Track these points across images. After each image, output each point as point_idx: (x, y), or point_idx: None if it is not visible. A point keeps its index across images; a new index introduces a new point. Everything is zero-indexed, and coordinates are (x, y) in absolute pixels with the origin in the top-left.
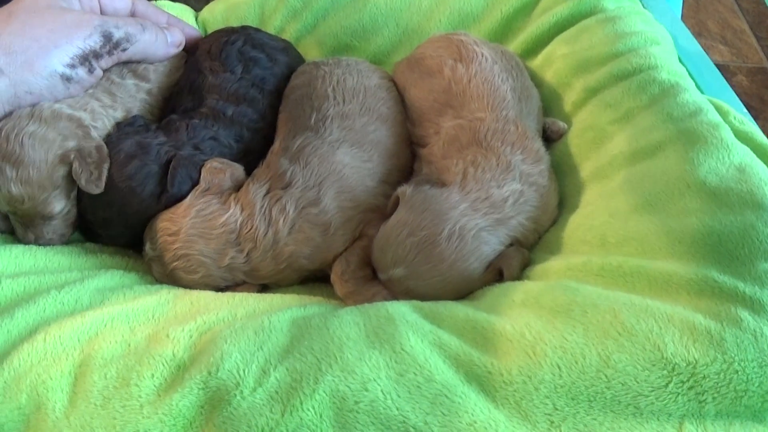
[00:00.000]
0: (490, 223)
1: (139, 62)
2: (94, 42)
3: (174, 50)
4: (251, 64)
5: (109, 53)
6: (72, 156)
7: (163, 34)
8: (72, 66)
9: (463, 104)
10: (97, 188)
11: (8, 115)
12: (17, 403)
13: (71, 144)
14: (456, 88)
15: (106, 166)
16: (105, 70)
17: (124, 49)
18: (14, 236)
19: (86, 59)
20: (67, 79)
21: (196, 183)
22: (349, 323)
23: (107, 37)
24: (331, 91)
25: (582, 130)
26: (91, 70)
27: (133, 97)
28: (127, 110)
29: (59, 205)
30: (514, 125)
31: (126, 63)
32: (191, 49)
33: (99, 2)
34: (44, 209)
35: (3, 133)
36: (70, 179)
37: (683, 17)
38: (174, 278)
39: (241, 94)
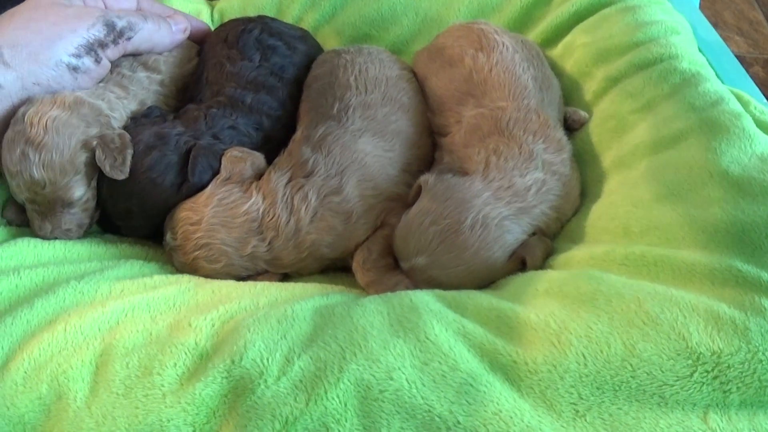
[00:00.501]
0: (513, 212)
1: (148, 53)
2: (98, 31)
3: (180, 36)
4: (269, 52)
5: (114, 42)
6: (95, 143)
7: (166, 23)
8: (77, 56)
9: (485, 93)
10: (122, 174)
11: (25, 102)
12: (38, 392)
13: (94, 131)
14: (477, 78)
15: (129, 152)
16: (114, 63)
17: (129, 38)
18: (30, 231)
19: (91, 49)
20: (74, 68)
21: (216, 172)
22: (372, 312)
23: (110, 26)
24: (354, 81)
25: (603, 120)
26: (97, 60)
27: (146, 89)
28: (141, 102)
29: (80, 190)
30: (536, 114)
31: (136, 56)
32: (202, 41)
33: (104, 4)
34: (65, 194)
35: (26, 118)
36: (92, 165)
37: (699, 8)
38: (195, 268)
39: (260, 81)
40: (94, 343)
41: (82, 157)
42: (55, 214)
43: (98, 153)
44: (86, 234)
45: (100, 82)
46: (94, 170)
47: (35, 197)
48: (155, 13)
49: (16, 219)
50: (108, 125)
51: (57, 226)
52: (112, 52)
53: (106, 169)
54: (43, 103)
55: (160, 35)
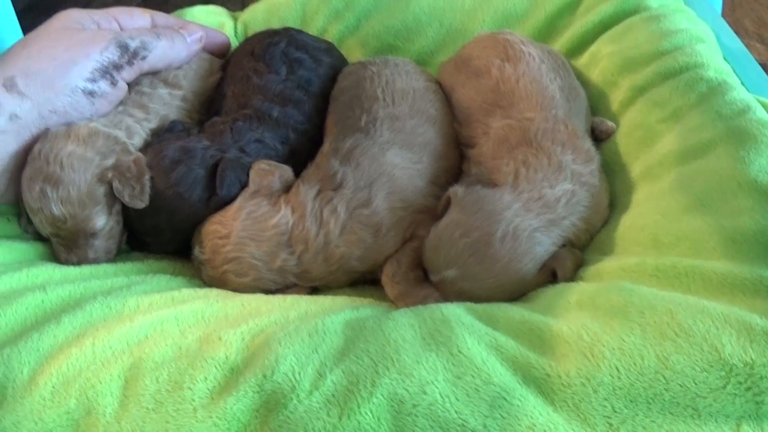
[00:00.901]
0: (543, 224)
1: (167, 70)
2: (112, 54)
3: (196, 46)
4: (296, 66)
5: (129, 63)
6: (110, 175)
7: (180, 36)
8: (93, 80)
9: (512, 104)
10: (142, 202)
11: (41, 136)
12: (66, 407)
13: (109, 162)
14: (504, 88)
15: (147, 178)
16: (134, 81)
17: (144, 57)
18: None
19: (107, 72)
20: (90, 93)
21: (244, 185)
22: (404, 325)
23: (123, 48)
24: (381, 93)
25: (630, 130)
26: (113, 83)
27: (168, 104)
28: (162, 119)
29: (101, 220)
30: (564, 125)
31: (155, 73)
32: (220, 51)
33: (119, 24)
34: (87, 226)
35: (42, 155)
36: (111, 195)
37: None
38: (224, 281)
39: (287, 95)
40: (123, 357)
41: (101, 189)
42: (79, 246)
43: (116, 184)
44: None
45: (118, 105)
46: (115, 198)
47: (58, 231)
48: (169, 28)
49: (32, 228)
50: (125, 151)
51: (83, 257)
52: (128, 74)
53: (126, 200)
54: (57, 139)
55: (175, 51)
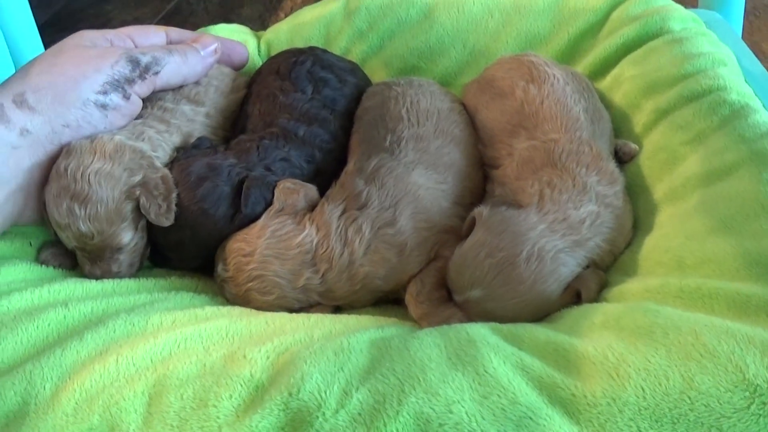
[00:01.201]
0: (568, 245)
1: (188, 87)
2: (122, 68)
3: (211, 59)
4: (321, 85)
5: (141, 77)
6: (137, 192)
7: (193, 49)
8: (104, 93)
9: (537, 125)
10: (167, 220)
11: (62, 151)
12: (88, 423)
13: (137, 178)
14: (529, 109)
15: (174, 197)
16: (156, 97)
17: (156, 73)
18: (78, 272)
19: (118, 85)
20: (102, 106)
21: (269, 204)
22: (429, 345)
23: (135, 62)
24: (405, 113)
25: (654, 152)
26: (126, 96)
27: (192, 120)
28: (186, 134)
29: (127, 236)
30: (588, 146)
31: (178, 90)
32: (237, 63)
33: (133, 42)
34: (113, 242)
35: (69, 172)
36: (138, 211)
37: None
38: (247, 299)
39: (313, 114)
40: (147, 374)
41: (128, 206)
42: (104, 260)
43: (142, 201)
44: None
45: (137, 118)
46: (141, 214)
47: (84, 246)
48: (182, 44)
49: (51, 261)
50: (151, 166)
51: (107, 270)
52: (141, 88)
53: (152, 217)
54: (83, 155)
55: (189, 65)
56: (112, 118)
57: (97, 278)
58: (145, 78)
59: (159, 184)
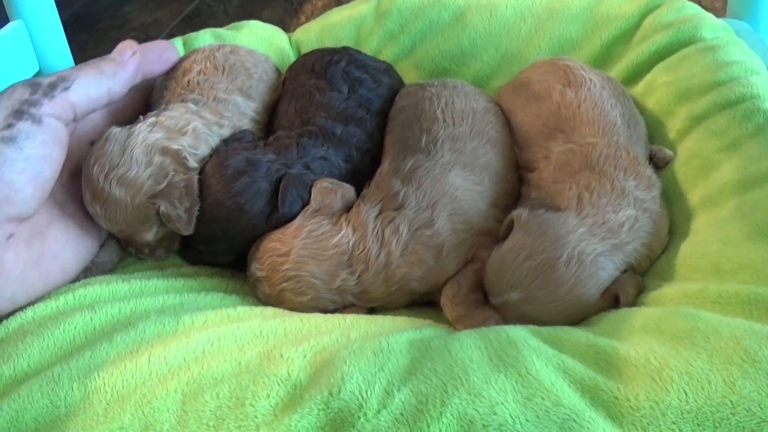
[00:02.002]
0: (607, 249)
1: (239, 77)
2: (21, 94)
3: (132, 62)
4: (357, 85)
5: (48, 96)
6: (157, 204)
7: (106, 59)
8: (8, 126)
9: (574, 129)
10: (186, 231)
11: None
12: (119, 422)
13: (161, 186)
14: (566, 113)
15: (196, 208)
16: (209, 85)
17: (66, 89)
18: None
19: (23, 112)
20: (11, 140)
21: (306, 203)
22: (470, 346)
23: (34, 85)
24: (440, 113)
25: (688, 158)
26: (36, 120)
27: (243, 114)
28: (237, 129)
29: (149, 235)
30: (625, 151)
31: (232, 80)
32: (163, 62)
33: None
34: (135, 238)
35: (95, 171)
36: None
37: None
38: (281, 300)
39: (350, 113)
40: (180, 372)
41: (150, 211)
42: (136, 245)
43: (163, 210)
44: (163, 268)
45: (194, 103)
46: None
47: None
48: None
49: (88, 270)
50: (180, 168)
51: (141, 251)
52: (53, 109)
53: (171, 226)
54: (113, 153)
55: (107, 74)
56: (30, 149)
57: (132, 254)
58: (53, 96)
59: (182, 194)
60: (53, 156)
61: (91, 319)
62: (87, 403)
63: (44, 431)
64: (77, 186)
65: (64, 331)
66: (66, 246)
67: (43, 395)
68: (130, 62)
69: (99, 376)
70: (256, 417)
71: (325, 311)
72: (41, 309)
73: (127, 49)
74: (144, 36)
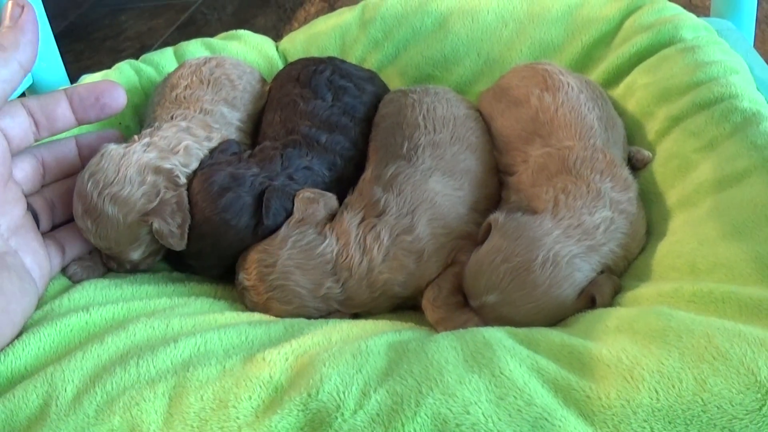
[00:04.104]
0: (582, 250)
1: (224, 89)
2: None
3: (28, 23)
4: (341, 93)
5: None
6: (150, 221)
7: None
8: None
9: (551, 133)
10: (179, 246)
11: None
12: (110, 425)
13: (153, 204)
14: (543, 117)
15: (187, 224)
16: (188, 101)
17: None
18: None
19: None
20: None
21: (290, 213)
22: (446, 347)
23: None
24: (422, 120)
25: (666, 159)
26: None
27: (229, 124)
28: (223, 137)
29: (137, 254)
30: (602, 153)
31: (216, 92)
32: (115, 109)
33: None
34: (122, 256)
35: (89, 187)
36: (151, 234)
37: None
38: (268, 308)
39: (334, 121)
40: (167, 376)
41: (141, 230)
42: (119, 263)
43: (155, 227)
44: (154, 273)
45: (182, 120)
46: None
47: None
48: None
49: (80, 274)
50: (171, 185)
51: (122, 267)
52: None
53: (164, 242)
54: (108, 170)
55: (8, 45)
56: None
57: (113, 269)
58: None
59: (174, 210)
60: None
61: (87, 322)
62: (78, 404)
63: (35, 430)
64: (18, 240)
65: (59, 332)
66: (12, 299)
67: (37, 396)
68: (25, 21)
69: (90, 378)
70: (238, 418)
71: (310, 318)
72: (38, 312)
73: (15, 8)
74: (139, 45)
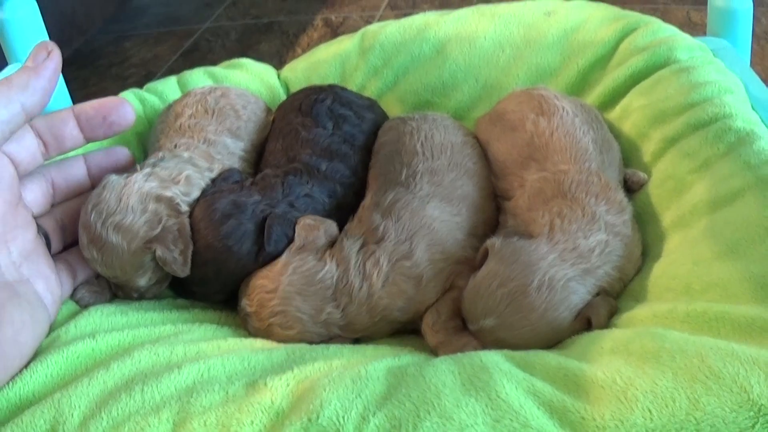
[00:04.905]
0: (578, 273)
1: (228, 119)
2: None
3: (48, 69)
4: (341, 121)
5: None
6: (153, 248)
7: (19, 71)
8: None
9: (547, 157)
10: (182, 273)
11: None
12: None
13: (155, 232)
14: (539, 142)
15: (190, 250)
16: (191, 130)
17: None
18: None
19: None
20: None
21: (291, 240)
22: (444, 372)
23: None
24: (420, 147)
25: (662, 180)
26: None
27: (232, 154)
28: (225, 167)
29: (143, 281)
30: (597, 176)
31: (220, 122)
32: (124, 126)
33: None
34: (129, 284)
35: (92, 218)
36: (155, 260)
37: (750, 64)
38: (270, 333)
39: (334, 149)
40: (171, 402)
41: (146, 257)
42: (126, 291)
43: (159, 254)
44: (159, 299)
45: (185, 150)
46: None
47: (107, 277)
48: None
49: (87, 298)
50: (173, 213)
51: (129, 296)
52: None
53: (167, 269)
54: (110, 200)
55: (18, 86)
56: None
57: (120, 297)
58: None
59: (176, 237)
60: None
61: (93, 349)
62: (84, 429)
63: None
64: (30, 266)
65: (66, 358)
66: (22, 329)
67: (44, 421)
68: (44, 67)
69: (96, 404)
70: None
71: (311, 343)
72: (45, 339)
73: (41, 52)
74: (145, 71)
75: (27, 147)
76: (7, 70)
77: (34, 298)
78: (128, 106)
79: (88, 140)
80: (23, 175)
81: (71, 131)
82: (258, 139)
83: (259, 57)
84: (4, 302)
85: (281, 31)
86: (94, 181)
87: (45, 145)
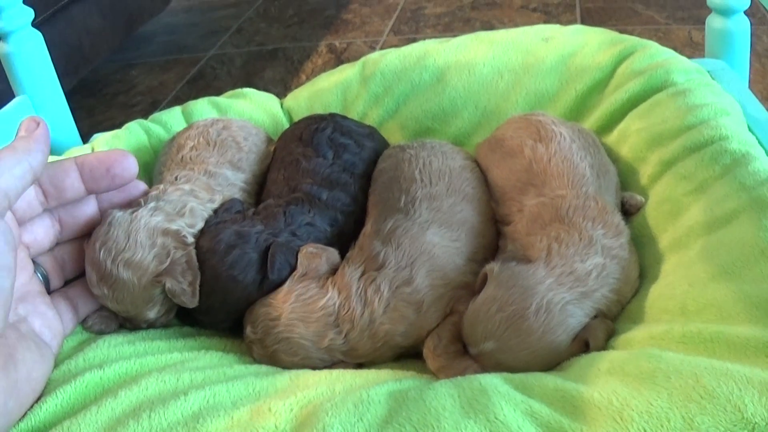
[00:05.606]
0: (575, 297)
1: (229, 150)
2: None
3: (40, 135)
4: (341, 150)
5: None
6: (163, 281)
7: (15, 140)
8: None
9: (545, 182)
10: (191, 304)
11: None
12: None
13: (164, 265)
14: (537, 167)
15: (198, 281)
16: (193, 162)
17: None
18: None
19: None
20: None
21: (293, 268)
22: (444, 395)
23: None
24: (418, 174)
25: (659, 203)
26: None
27: (232, 185)
28: (226, 198)
29: (152, 314)
30: (594, 201)
31: (222, 154)
32: (127, 178)
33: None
34: (139, 318)
35: (102, 255)
36: (164, 293)
37: (751, 82)
38: (274, 360)
39: (334, 178)
40: (178, 427)
41: (155, 290)
42: (135, 323)
43: (168, 287)
44: (166, 328)
45: (185, 183)
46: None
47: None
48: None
49: (97, 325)
50: (180, 245)
51: (138, 327)
52: None
53: (177, 301)
54: (118, 238)
55: (21, 150)
56: None
57: (128, 329)
58: None
59: (185, 269)
60: (6, 261)
61: (101, 378)
62: None
63: None
64: (26, 306)
65: (75, 388)
66: (34, 366)
67: None
68: (39, 134)
69: (104, 431)
70: None
71: (315, 368)
72: (54, 372)
73: (31, 123)
74: (151, 99)
75: (24, 196)
76: (15, 102)
77: (35, 336)
78: (131, 159)
79: (89, 192)
80: (22, 223)
81: (72, 182)
82: (259, 170)
83: (264, 84)
84: (15, 343)
85: (285, 57)
86: None
87: (45, 194)
